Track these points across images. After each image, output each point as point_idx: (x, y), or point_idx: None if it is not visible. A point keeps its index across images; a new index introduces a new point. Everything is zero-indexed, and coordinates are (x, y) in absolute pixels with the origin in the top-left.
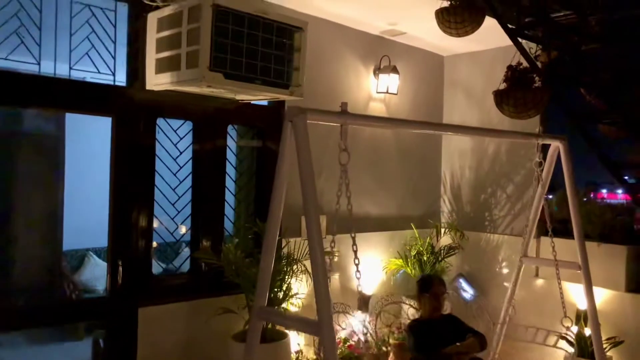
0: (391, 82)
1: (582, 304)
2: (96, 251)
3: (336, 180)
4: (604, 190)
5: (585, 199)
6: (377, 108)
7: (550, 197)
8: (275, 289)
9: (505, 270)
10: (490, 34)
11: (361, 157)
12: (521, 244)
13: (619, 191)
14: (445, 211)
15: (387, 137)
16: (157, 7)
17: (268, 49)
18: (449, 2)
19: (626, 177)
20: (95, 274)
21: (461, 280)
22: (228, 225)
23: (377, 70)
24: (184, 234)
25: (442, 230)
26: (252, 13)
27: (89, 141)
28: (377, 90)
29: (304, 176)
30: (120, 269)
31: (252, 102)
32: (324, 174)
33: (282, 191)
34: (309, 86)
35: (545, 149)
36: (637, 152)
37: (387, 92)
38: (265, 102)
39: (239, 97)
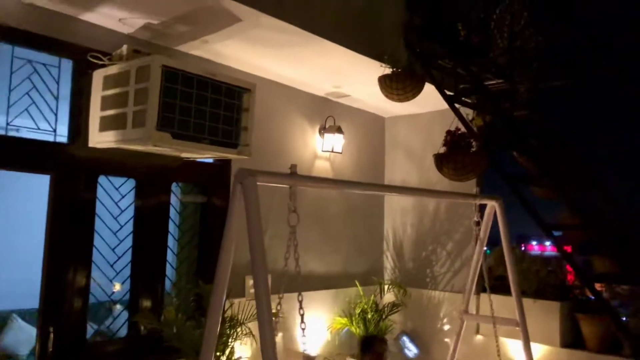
0: (336, 141)
1: None
2: (21, 313)
3: (282, 238)
4: (535, 243)
5: (521, 250)
6: (322, 166)
7: (489, 252)
8: (218, 353)
9: (447, 327)
10: (429, 98)
11: (307, 214)
12: (462, 301)
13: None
14: (389, 268)
15: (333, 194)
16: (104, 65)
17: (217, 109)
18: (391, 70)
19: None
20: (20, 339)
21: (405, 338)
22: (169, 286)
23: (323, 130)
24: (121, 297)
25: (386, 287)
26: (201, 74)
27: (20, 198)
28: (322, 149)
29: (253, 238)
30: (52, 334)
31: (198, 159)
32: (270, 231)
33: (230, 253)
34: (257, 144)
35: (483, 208)
36: (565, 212)
37: (332, 151)
38: (210, 160)
39: (185, 155)
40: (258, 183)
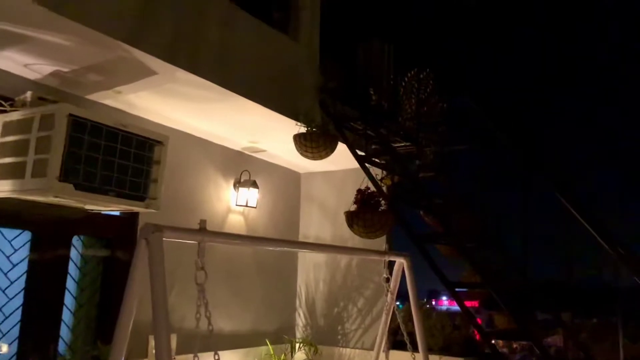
0: (250, 195)
1: None
2: None
3: (189, 295)
4: (445, 298)
5: (428, 306)
6: (236, 220)
7: (400, 307)
8: None
9: None
10: (343, 156)
11: (216, 269)
12: (372, 358)
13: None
14: (300, 325)
15: (244, 249)
16: (4, 111)
17: (126, 160)
18: (306, 129)
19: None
20: None
21: None
22: (64, 348)
23: (238, 184)
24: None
25: (297, 345)
26: (110, 125)
27: None
28: (236, 203)
29: (156, 296)
30: None
31: (104, 211)
32: (176, 288)
33: (132, 312)
34: (168, 197)
35: (392, 264)
36: (467, 269)
37: (246, 205)
38: (117, 212)
39: (90, 207)
40: (165, 239)
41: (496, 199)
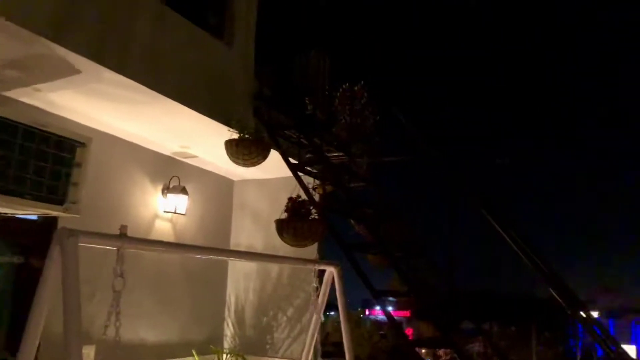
0: (180, 202)
1: None
2: None
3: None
4: (379, 308)
5: (364, 315)
6: (163, 227)
7: (328, 317)
8: None
9: None
10: (277, 164)
11: (142, 278)
12: None
13: (390, 308)
14: (229, 335)
15: (172, 257)
16: None
17: (44, 162)
18: (238, 135)
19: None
20: None
21: None
22: None
23: (166, 190)
24: None
25: (224, 356)
26: (28, 124)
27: None
28: (164, 210)
29: (69, 305)
30: None
31: (18, 215)
32: (98, 296)
33: (40, 323)
34: (90, 202)
35: (323, 273)
36: (396, 279)
37: (174, 212)
38: (34, 217)
39: (1, 209)
40: (82, 244)
41: (426, 211)
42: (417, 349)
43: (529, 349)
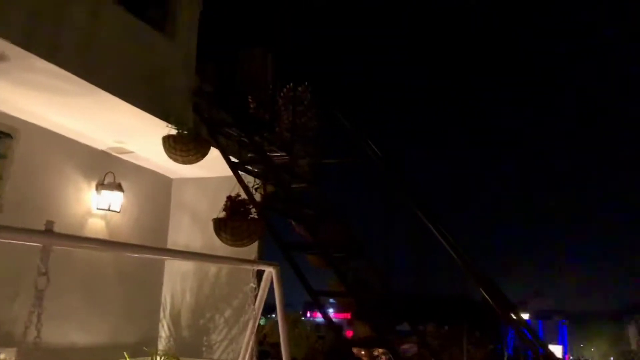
0: (114, 199)
1: None
2: None
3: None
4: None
5: (303, 318)
6: (96, 225)
7: (271, 317)
8: None
9: None
10: (217, 163)
11: (72, 277)
12: None
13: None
14: (164, 337)
15: (105, 256)
16: None
17: None
18: (177, 131)
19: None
20: None
21: None
22: None
23: (100, 186)
24: None
25: (158, 358)
26: None
27: None
28: (98, 207)
29: None
30: None
31: None
32: (22, 296)
33: None
34: (16, 197)
35: (262, 274)
36: (335, 280)
37: (109, 210)
38: None
39: None
40: (4, 241)
41: (366, 213)
42: (355, 350)
43: (460, 348)
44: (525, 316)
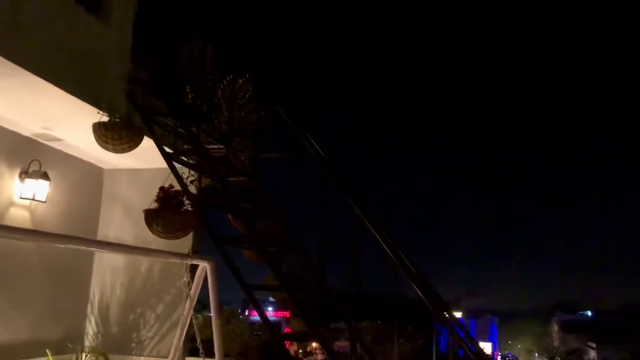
0: (39, 188)
1: None
2: None
3: None
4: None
5: (241, 317)
6: (19, 215)
7: (202, 315)
8: None
9: None
10: (152, 154)
11: None
12: None
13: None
14: (91, 333)
15: (27, 247)
16: None
17: None
18: (107, 117)
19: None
20: None
21: None
22: None
23: (24, 175)
24: None
25: (84, 355)
26: None
27: None
28: (21, 196)
29: None
30: None
31: None
32: None
33: None
34: None
35: (196, 269)
36: (270, 275)
37: (33, 199)
38: None
39: None
40: None
41: (305, 208)
42: (290, 346)
43: (392, 342)
44: (458, 314)
